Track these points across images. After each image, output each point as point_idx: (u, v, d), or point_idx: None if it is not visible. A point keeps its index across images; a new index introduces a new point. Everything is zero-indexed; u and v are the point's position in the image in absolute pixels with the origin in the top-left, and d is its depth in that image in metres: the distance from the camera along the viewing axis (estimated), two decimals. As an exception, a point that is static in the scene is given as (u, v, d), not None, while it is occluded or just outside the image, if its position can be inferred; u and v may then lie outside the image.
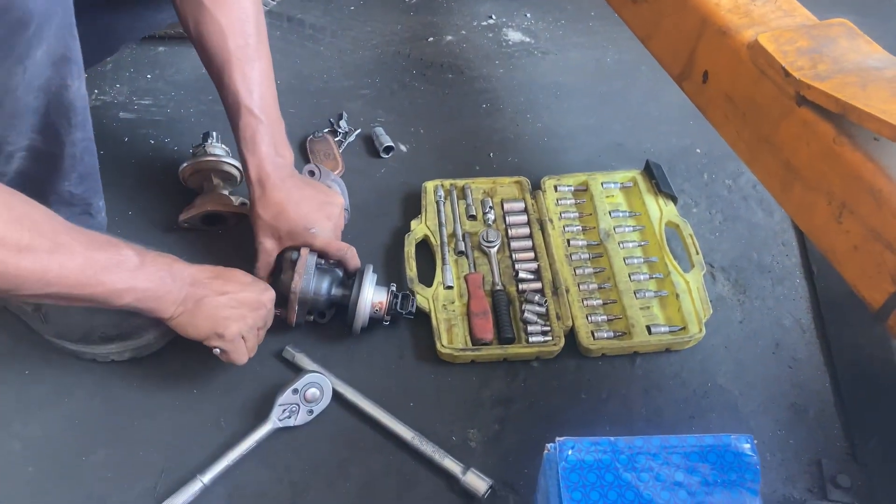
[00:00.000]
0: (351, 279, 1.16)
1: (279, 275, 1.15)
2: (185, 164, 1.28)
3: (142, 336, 1.11)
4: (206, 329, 1.00)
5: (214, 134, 1.32)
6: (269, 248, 1.15)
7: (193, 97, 1.53)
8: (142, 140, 1.46)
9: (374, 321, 1.16)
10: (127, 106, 1.52)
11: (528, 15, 1.79)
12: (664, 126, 1.53)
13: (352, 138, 1.48)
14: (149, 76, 1.58)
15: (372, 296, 1.14)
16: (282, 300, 1.12)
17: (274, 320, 1.11)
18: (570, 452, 0.84)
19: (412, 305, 1.16)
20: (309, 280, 1.12)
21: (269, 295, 1.08)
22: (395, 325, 1.19)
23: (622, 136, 1.51)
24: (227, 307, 1.01)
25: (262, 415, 1.08)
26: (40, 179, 0.99)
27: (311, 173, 1.25)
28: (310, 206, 1.15)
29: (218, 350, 1.03)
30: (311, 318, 1.16)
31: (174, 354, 1.14)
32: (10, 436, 1.07)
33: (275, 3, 1.63)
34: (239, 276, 1.06)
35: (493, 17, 1.79)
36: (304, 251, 1.13)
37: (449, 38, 1.73)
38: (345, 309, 1.14)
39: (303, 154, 1.44)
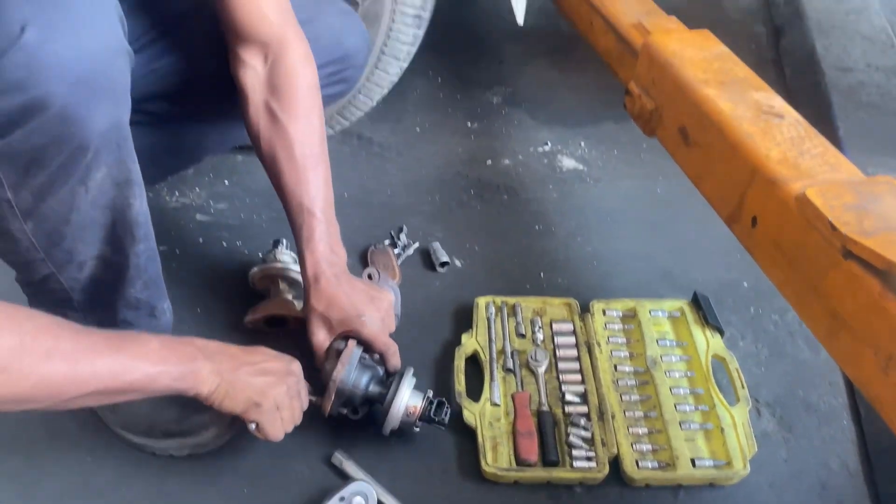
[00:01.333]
0: (390, 378, 1.18)
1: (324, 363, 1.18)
2: (255, 269, 1.37)
3: (201, 434, 1.16)
4: (244, 400, 1.01)
5: (284, 241, 1.41)
6: (321, 338, 1.18)
7: (266, 204, 1.63)
8: (215, 242, 1.56)
9: (407, 425, 1.17)
10: (204, 209, 1.63)
11: (583, 144, 1.89)
12: (712, 258, 1.58)
13: (410, 251, 1.56)
14: (226, 182, 1.70)
15: (408, 399, 1.15)
16: (320, 388, 1.14)
17: (309, 406, 1.13)
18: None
19: (445, 415, 1.16)
20: (350, 371, 1.13)
21: (297, 365, 1.10)
22: (440, 438, 1.22)
23: (670, 265, 1.56)
24: (260, 375, 1.03)
25: (307, 520, 1.11)
26: (109, 286, 1.07)
27: (370, 276, 1.31)
28: (360, 297, 1.19)
29: (254, 425, 1.04)
30: (345, 411, 1.17)
31: (229, 454, 1.19)
32: (68, 522, 1.11)
33: (338, 129, 1.75)
34: (262, 349, 1.08)
35: (549, 143, 1.89)
36: (351, 343, 1.16)
37: (506, 161, 1.83)
38: (379, 406, 1.16)
39: (363, 263, 1.52)
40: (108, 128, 0.89)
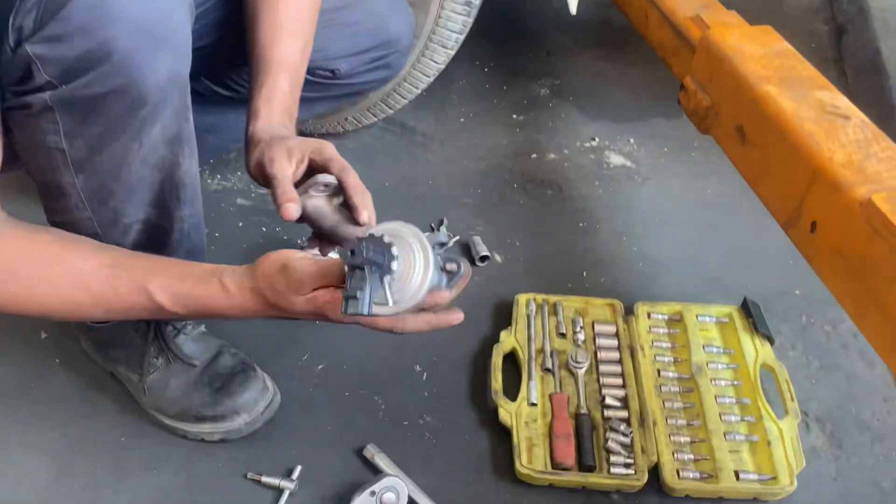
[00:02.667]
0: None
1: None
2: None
3: (233, 420, 1.15)
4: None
5: None
6: (282, 163, 0.97)
7: (306, 191, 1.62)
8: (254, 227, 1.55)
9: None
10: (245, 193, 1.63)
11: (632, 140, 1.84)
12: (763, 263, 1.52)
13: (451, 244, 1.53)
14: (268, 167, 1.69)
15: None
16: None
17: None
18: None
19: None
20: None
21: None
22: (475, 437, 1.20)
23: (719, 270, 1.51)
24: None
25: (337, 512, 1.09)
26: (152, 252, 1.06)
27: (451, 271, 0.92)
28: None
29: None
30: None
31: (260, 441, 1.18)
32: (101, 501, 1.11)
33: (381, 117, 1.72)
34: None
35: (597, 139, 1.84)
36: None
37: (552, 156, 1.79)
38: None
39: (402, 255, 1.50)
40: (168, 80, 0.89)
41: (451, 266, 0.89)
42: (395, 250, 0.82)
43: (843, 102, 1.13)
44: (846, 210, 0.97)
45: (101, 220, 0.98)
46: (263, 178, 1.01)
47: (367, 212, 0.97)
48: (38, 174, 0.95)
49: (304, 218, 0.98)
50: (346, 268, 0.82)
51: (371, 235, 0.83)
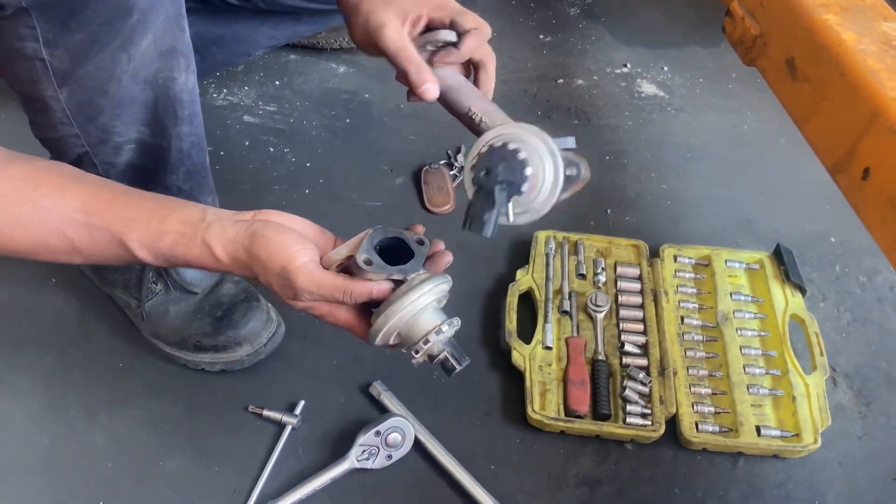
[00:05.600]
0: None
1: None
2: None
3: (235, 351, 1.10)
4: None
5: None
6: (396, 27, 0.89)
7: (317, 110, 1.53)
8: (262, 147, 1.47)
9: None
10: (252, 110, 1.54)
11: (666, 68, 1.72)
12: (798, 207, 1.43)
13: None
14: (277, 83, 1.60)
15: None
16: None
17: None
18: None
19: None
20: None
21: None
22: (485, 379, 1.15)
23: (752, 212, 1.42)
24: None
25: (340, 450, 1.05)
26: (148, 172, 1.00)
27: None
28: None
29: None
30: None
31: (262, 373, 1.13)
32: (96, 427, 1.08)
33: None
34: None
35: (629, 65, 1.72)
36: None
37: (579, 81, 1.68)
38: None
39: (416, 183, 1.42)
40: None
41: (571, 171, 0.81)
42: (528, 171, 0.77)
43: (911, 36, 1.02)
44: (908, 158, 0.88)
45: (90, 139, 0.91)
46: (372, 46, 0.91)
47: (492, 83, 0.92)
48: (18, 85, 0.87)
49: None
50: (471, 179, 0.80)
51: (504, 145, 0.78)
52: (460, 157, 1.46)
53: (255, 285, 0.87)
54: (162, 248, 0.76)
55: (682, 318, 1.22)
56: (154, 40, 0.84)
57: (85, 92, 0.86)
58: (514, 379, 1.15)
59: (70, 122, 0.88)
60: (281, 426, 1.08)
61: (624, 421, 1.10)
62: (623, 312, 1.22)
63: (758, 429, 1.09)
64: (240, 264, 0.76)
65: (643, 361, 1.16)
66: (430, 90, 0.86)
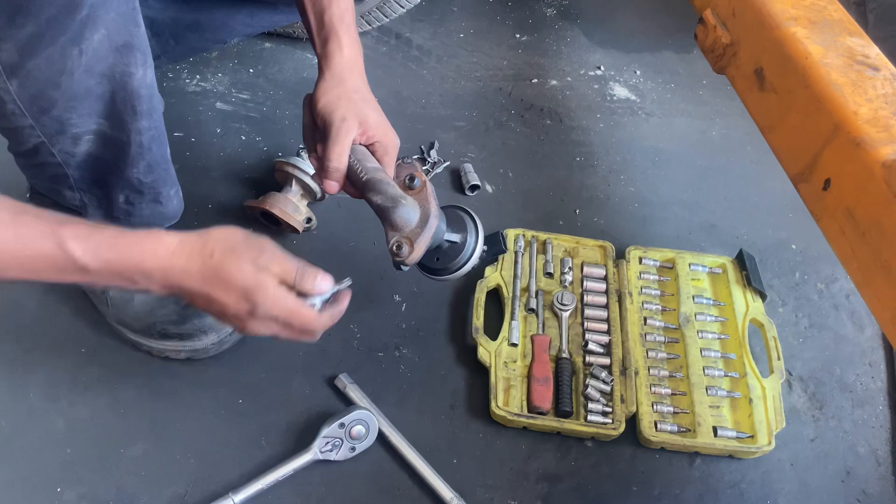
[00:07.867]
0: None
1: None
2: (279, 157, 1.27)
3: (200, 339, 1.09)
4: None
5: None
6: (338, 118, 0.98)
7: (290, 100, 1.52)
8: (234, 134, 1.46)
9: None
10: (225, 97, 1.52)
11: (638, 72, 1.74)
12: (762, 214, 1.46)
13: (439, 170, 1.45)
14: (251, 70, 1.58)
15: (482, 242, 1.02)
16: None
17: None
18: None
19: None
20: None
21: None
22: (450, 374, 1.16)
23: (716, 217, 1.45)
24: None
25: (304, 441, 1.06)
26: (108, 164, 0.99)
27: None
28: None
29: None
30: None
31: (228, 363, 1.13)
32: (56, 412, 1.07)
33: (375, 25, 1.60)
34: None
35: (602, 68, 1.74)
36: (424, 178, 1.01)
37: (553, 82, 1.69)
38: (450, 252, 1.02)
39: (388, 177, 1.42)
40: None
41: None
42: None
43: (874, 52, 1.05)
44: (866, 170, 0.91)
45: (46, 130, 0.90)
46: (311, 136, 1.03)
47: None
48: None
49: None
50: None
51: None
52: (433, 152, 1.47)
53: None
54: (103, 239, 0.76)
55: (646, 319, 1.24)
56: (107, 35, 0.84)
57: (36, 84, 0.84)
58: (480, 374, 1.16)
59: (23, 112, 0.87)
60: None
61: (585, 418, 1.12)
62: (588, 312, 1.23)
63: (715, 429, 1.12)
64: (198, 276, 0.80)
65: (606, 360, 1.18)
66: (332, 187, 0.99)
